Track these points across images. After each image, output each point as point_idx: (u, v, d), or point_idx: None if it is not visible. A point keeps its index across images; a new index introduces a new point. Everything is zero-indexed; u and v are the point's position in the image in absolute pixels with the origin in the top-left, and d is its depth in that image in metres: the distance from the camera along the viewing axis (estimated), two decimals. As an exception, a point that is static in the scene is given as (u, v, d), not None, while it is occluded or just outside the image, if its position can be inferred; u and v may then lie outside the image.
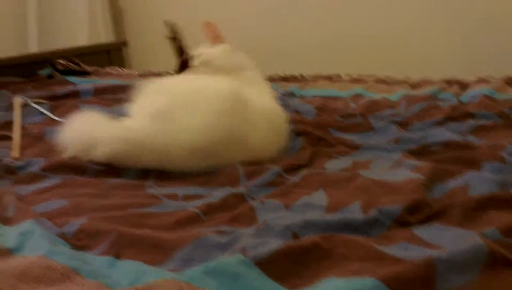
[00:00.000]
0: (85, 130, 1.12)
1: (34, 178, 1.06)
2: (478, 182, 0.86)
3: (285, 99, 1.64)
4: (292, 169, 1.07)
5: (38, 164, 1.11)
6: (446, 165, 0.97)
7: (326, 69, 2.04)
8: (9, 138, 1.39)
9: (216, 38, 1.37)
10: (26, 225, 0.79)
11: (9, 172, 1.11)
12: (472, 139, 1.12)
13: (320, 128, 1.28)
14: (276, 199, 0.91)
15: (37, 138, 1.38)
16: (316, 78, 1.91)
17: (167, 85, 1.19)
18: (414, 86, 1.67)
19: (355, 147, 1.17)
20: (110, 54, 2.69)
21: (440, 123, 1.23)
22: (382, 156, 1.10)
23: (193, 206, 0.89)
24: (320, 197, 0.89)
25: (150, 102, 1.11)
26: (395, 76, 1.85)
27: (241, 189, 0.96)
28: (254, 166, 1.06)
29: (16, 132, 1.38)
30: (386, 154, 1.11)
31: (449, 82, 1.64)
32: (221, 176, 1.03)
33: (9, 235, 0.78)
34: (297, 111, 1.47)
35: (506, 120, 1.21)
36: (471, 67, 1.99)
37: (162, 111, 1.06)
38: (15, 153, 1.24)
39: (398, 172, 0.96)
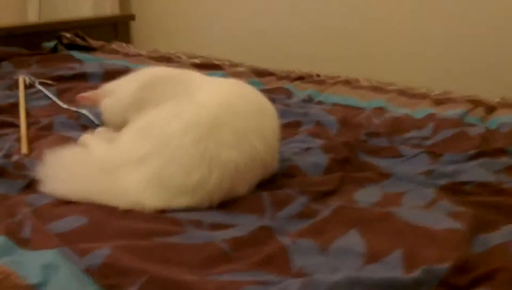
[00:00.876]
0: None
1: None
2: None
3: (304, 106, 1.58)
4: (320, 195, 1.02)
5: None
6: (486, 213, 0.93)
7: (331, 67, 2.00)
8: (15, 125, 1.32)
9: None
10: (49, 256, 0.73)
11: (19, 172, 1.04)
12: (506, 180, 1.08)
13: (346, 148, 1.23)
14: (308, 237, 0.86)
15: (46, 129, 1.30)
16: (335, 81, 1.84)
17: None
18: (437, 102, 1.62)
19: (384, 176, 1.12)
20: (117, 28, 2.58)
21: (471, 157, 1.18)
22: (414, 190, 1.05)
23: (220, 239, 0.84)
24: (355, 241, 0.85)
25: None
26: (416, 88, 1.80)
27: (268, 221, 0.91)
28: (277, 190, 1.01)
29: (22, 122, 1.30)
30: (418, 188, 1.06)
31: (473, 102, 1.59)
32: (245, 201, 0.97)
33: (30, 265, 0.72)
34: (318, 123, 1.42)
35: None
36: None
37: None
38: (24, 148, 1.16)
39: (435, 216, 0.92)
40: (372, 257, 0.80)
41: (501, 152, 1.19)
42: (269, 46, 2.57)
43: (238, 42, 2.68)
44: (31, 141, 1.22)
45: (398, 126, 1.42)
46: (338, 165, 1.16)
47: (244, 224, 0.90)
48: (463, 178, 1.09)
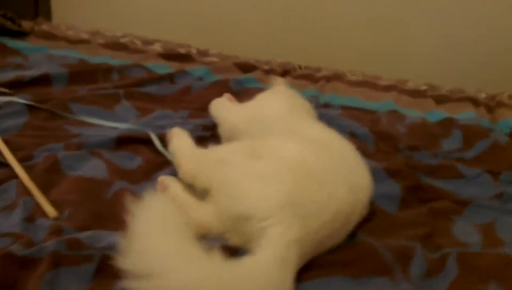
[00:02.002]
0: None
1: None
2: None
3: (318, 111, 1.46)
4: (424, 239, 0.93)
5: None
6: None
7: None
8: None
9: None
10: None
11: (76, 252, 0.77)
12: None
13: (409, 169, 1.14)
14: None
15: (51, 172, 1.00)
16: (323, 75, 1.74)
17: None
18: (437, 101, 1.62)
19: (463, 204, 1.07)
20: (38, 3, 2.13)
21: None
22: (500, 220, 1.02)
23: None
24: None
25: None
26: (405, 81, 1.79)
27: (404, 285, 0.80)
28: (373, 237, 0.90)
29: (16, 165, 0.97)
30: (502, 217, 1.03)
31: (470, 100, 1.62)
32: (365, 261, 0.85)
33: None
34: (352, 134, 1.30)
35: None
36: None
37: None
38: (49, 209, 0.88)
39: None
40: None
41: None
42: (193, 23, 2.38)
43: (160, 17, 2.45)
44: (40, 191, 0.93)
45: (427, 135, 1.37)
46: (411, 195, 1.08)
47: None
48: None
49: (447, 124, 1.43)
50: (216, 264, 0.71)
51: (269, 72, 1.72)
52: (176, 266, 0.70)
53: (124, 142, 1.13)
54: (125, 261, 0.70)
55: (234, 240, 0.82)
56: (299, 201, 0.80)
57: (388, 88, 1.68)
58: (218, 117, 1.20)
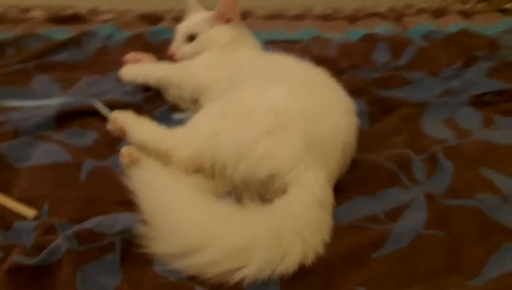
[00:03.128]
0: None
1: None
2: None
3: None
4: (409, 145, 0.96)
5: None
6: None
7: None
8: None
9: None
10: None
11: (84, 246, 0.65)
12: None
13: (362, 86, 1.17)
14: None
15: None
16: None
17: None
18: (350, 21, 1.66)
19: (421, 106, 1.12)
20: None
21: (459, 70, 1.27)
22: (457, 112, 1.09)
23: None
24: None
25: None
26: (311, 9, 1.79)
27: (416, 189, 0.82)
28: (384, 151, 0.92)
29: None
30: (458, 110, 1.10)
31: (379, 15, 1.69)
32: (375, 176, 0.85)
33: None
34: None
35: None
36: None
37: None
38: (25, 209, 0.73)
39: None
40: None
41: (473, 59, 1.31)
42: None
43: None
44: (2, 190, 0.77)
45: (358, 53, 1.40)
46: (376, 108, 1.10)
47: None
48: (478, 90, 1.17)
49: (370, 39, 1.47)
50: (256, 218, 0.66)
51: (178, 20, 1.60)
52: (218, 234, 0.63)
53: (65, 118, 0.98)
54: (158, 244, 0.62)
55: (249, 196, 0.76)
56: (313, 142, 0.77)
57: (300, 17, 1.68)
58: (162, 80, 1.09)
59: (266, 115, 0.79)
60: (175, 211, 0.66)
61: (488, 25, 1.61)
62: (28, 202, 0.75)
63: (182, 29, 1.11)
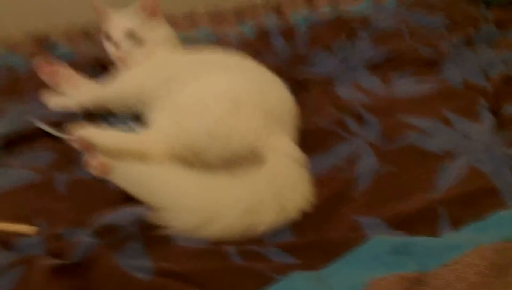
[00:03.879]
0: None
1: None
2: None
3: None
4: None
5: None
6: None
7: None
8: None
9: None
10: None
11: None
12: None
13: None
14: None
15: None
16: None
17: None
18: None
19: (328, 77, 1.29)
20: None
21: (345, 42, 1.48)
22: (362, 76, 1.29)
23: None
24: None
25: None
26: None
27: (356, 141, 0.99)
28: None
29: None
30: (363, 73, 1.30)
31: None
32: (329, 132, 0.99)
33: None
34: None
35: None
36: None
37: None
38: (24, 227, 0.73)
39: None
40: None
41: (353, 32, 1.53)
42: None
43: None
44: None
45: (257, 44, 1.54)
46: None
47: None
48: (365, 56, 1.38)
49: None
50: (253, 182, 0.76)
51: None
52: (227, 200, 0.71)
53: (10, 144, 0.96)
54: (175, 222, 0.69)
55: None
56: (267, 112, 0.89)
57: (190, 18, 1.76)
58: (100, 101, 1.10)
59: (218, 99, 0.88)
60: (181, 190, 0.73)
61: (353, 7, 1.86)
62: (19, 222, 0.74)
63: (118, 31, 1.10)
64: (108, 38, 1.11)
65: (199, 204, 0.71)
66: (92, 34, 1.61)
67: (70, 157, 0.93)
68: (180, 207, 0.71)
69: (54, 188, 0.83)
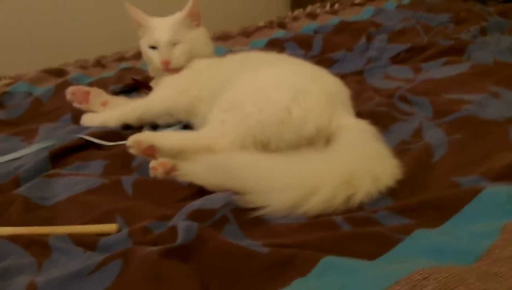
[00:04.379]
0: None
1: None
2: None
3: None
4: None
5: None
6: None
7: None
8: None
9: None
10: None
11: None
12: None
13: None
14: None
15: (28, 210, 0.75)
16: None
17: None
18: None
19: (359, 74, 1.28)
20: None
21: (366, 44, 1.49)
22: (392, 70, 1.29)
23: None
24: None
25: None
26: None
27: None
28: None
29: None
30: (392, 68, 1.31)
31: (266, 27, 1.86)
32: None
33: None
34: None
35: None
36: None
37: None
38: (106, 227, 0.67)
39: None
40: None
41: (369, 35, 1.54)
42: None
43: None
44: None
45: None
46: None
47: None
48: (390, 53, 1.39)
49: (276, 43, 1.61)
50: (340, 157, 0.73)
51: (85, 67, 1.55)
52: (320, 176, 0.69)
53: (56, 158, 0.91)
54: (269, 203, 0.65)
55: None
56: (330, 96, 0.87)
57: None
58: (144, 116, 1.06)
59: (279, 90, 0.86)
60: (270, 171, 0.69)
61: (356, 15, 1.89)
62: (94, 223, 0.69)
63: (163, 38, 1.07)
64: (152, 45, 1.09)
65: (293, 182, 0.67)
66: (103, 64, 1.59)
67: (123, 164, 0.89)
68: (273, 187, 0.67)
69: (121, 190, 0.78)
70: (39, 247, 0.65)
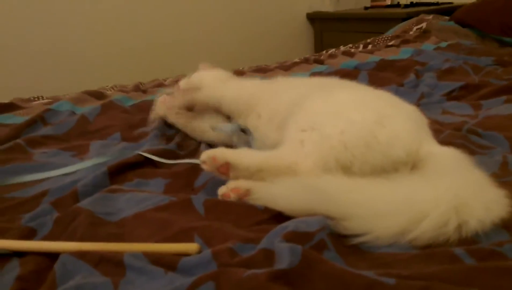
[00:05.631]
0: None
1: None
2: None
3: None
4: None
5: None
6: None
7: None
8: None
9: None
10: None
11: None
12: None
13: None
14: None
15: (94, 225, 0.68)
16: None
17: None
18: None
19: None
20: None
21: (416, 80, 1.45)
22: (450, 106, 1.25)
23: None
24: None
25: None
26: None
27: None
28: None
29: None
30: (449, 104, 1.26)
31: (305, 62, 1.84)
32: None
33: None
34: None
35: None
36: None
37: None
38: (187, 247, 0.60)
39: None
40: None
41: (417, 71, 1.51)
42: None
43: None
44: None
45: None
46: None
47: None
48: (443, 90, 1.35)
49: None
50: (435, 185, 0.66)
51: (125, 90, 1.51)
52: (427, 202, 0.62)
53: (114, 174, 0.85)
54: (370, 229, 0.59)
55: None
56: (413, 120, 0.82)
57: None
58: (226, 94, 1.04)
59: (360, 112, 0.80)
60: (372, 195, 0.63)
61: (394, 55, 1.87)
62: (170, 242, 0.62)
63: None
64: None
65: (397, 206, 0.61)
66: (143, 89, 1.55)
67: (186, 183, 0.83)
68: (377, 212, 0.60)
69: (193, 210, 0.71)
70: (111, 265, 0.58)
